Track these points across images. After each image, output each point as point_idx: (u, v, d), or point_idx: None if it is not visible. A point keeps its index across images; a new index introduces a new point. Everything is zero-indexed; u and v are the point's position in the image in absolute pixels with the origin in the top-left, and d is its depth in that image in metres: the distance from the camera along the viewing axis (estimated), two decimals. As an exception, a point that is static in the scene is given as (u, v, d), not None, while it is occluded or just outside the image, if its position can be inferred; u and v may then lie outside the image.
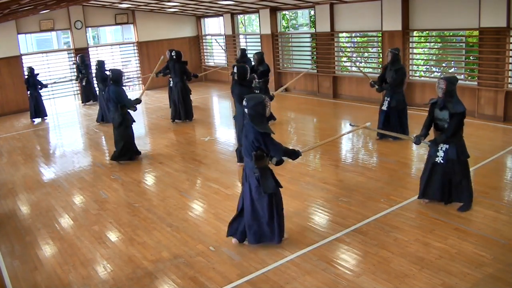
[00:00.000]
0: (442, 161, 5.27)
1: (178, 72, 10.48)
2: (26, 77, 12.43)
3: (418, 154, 7.48)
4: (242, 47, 10.27)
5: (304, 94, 13.47)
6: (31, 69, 12.27)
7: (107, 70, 9.01)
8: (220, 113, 12.89)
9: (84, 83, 14.04)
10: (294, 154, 4.78)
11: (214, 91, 15.23)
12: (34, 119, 12.55)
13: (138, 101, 8.13)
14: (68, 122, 12.31)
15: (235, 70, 7.04)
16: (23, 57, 13.95)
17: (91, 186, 7.14)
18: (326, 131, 9.59)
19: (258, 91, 9.66)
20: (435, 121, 5.35)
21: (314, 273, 4.30)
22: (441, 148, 5.26)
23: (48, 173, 8.06)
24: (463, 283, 3.98)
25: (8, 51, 13.51)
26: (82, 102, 14.49)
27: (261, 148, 4.53)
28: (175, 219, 5.72)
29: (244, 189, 4.78)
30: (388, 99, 8.01)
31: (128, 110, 8.00)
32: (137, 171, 7.76)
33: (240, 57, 10.17)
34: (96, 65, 11.51)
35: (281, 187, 4.82)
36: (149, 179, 7.35)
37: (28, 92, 12.41)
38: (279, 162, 4.72)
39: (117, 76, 7.79)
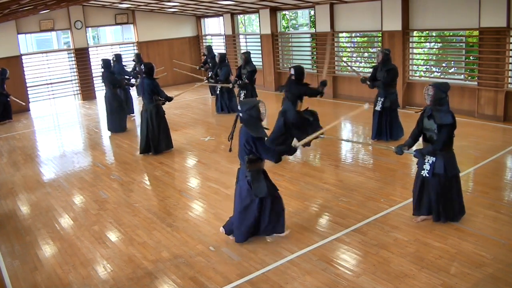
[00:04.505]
0: (427, 175, 4.85)
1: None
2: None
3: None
4: (244, 51, 10.17)
5: (304, 94, 13.45)
6: (2, 70, 12.22)
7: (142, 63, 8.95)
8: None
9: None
10: (290, 151, 4.90)
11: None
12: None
13: (170, 98, 8.41)
14: (68, 122, 12.31)
15: (292, 72, 7.36)
16: (23, 57, 13.96)
17: (91, 186, 7.14)
18: (326, 131, 9.56)
19: (245, 91, 9.68)
20: (424, 130, 4.93)
21: (314, 273, 4.30)
22: (428, 160, 4.83)
23: (48, 173, 8.06)
24: (463, 283, 3.98)
25: (8, 51, 13.53)
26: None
27: (253, 151, 4.59)
28: (175, 219, 5.72)
29: (235, 191, 4.86)
30: (382, 99, 8.01)
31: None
32: (137, 171, 7.76)
33: (244, 62, 9.95)
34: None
35: (277, 190, 4.89)
36: (149, 179, 7.35)
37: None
38: (277, 161, 4.73)
39: (150, 69, 8.15)
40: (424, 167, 4.89)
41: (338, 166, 7.38)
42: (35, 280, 4.57)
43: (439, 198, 4.89)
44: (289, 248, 4.77)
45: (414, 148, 5.11)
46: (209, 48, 13.53)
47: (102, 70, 10.30)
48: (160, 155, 8.38)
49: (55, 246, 5.26)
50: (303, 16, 16.28)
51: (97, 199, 6.56)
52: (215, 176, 7.14)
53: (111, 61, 10.77)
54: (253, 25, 16.93)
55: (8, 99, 12.48)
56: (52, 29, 14.63)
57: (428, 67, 11.75)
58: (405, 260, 4.39)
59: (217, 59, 11.28)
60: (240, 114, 4.61)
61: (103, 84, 10.66)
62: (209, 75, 12.53)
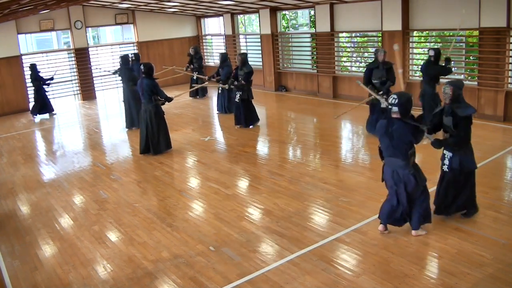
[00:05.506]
0: (447, 170, 5.00)
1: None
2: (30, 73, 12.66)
3: (418, 154, 7.45)
4: (240, 52, 10.25)
5: (304, 94, 13.46)
6: (32, 66, 12.50)
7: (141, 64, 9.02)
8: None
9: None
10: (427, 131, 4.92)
11: (213, 90, 15.20)
12: (36, 115, 12.80)
13: (170, 98, 8.39)
14: (68, 122, 12.31)
15: (431, 53, 7.82)
16: (23, 57, 13.96)
17: (91, 186, 7.14)
18: (326, 131, 9.59)
19: (241, 93, 9.65)
20: (444, 128, 5.05)
21: (314, 273, 4.30)
22: (447, 156, 5.00)
23: (48, 173, 8.06)
24: (463, 283, 3.98)
25: (8, 51, 13.53)
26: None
27: (413, 145, 4.67)
28: (175, 219, 5.72)
29: (399, 190, 4.75)
30: (386, 96, 7.96)
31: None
32: (137, 171, 7.76)
33: (240, 63, 9.93)
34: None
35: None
36: (149, 179, 7.34)
37: (33, 88, 12.65)
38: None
39: (149, 69, 8.16)
40: (444, 162, 5.03)
41: (338, 166, 7.38)
42: (35, 280, 4.57)
43: (449, 191, 4.99)
44: (289, 248, 4.77)
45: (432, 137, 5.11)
46: (196, 49, 13.59)
47: (120, 66, 10.44)
48: (160, 155, 8.38)
49: (55, 246, 5.26)
50: (303, 16, 16.28)
51: (97, 199, 6.56)
52: (215, 176, 7.14)
53: (130, 59, 10.87)
54: (253, 25, 16.93)
55: (47, 92, 12.87)
56: (52, 29, 14.63)
57: (428, 67, 11.73)
58: (405, 260, 4.39)
59: (209, 59, 11.42)
60: (394, 108, 4.52)
61: (121, 80, 10.83)
62: (193, 76, 12.96)
